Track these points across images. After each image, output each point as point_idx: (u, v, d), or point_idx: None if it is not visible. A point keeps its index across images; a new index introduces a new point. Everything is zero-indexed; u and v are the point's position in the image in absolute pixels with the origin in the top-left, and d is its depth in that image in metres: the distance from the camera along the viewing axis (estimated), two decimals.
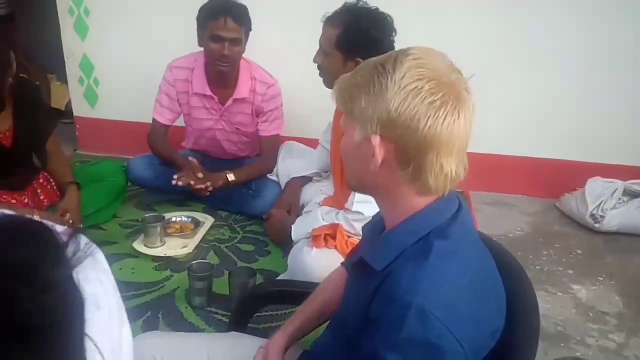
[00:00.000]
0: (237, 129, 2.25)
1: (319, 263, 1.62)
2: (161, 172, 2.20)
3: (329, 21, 1.71)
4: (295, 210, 2.04)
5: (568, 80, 2.40)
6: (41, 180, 2.01)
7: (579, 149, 2.47)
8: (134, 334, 1.45)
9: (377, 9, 1.69)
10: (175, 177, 2.03)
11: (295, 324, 1.16)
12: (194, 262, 1.68)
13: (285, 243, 2.00)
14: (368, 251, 0.88)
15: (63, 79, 2.84)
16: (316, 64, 1.80)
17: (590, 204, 2.25)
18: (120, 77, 2.73)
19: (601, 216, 2.21)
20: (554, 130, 2.47)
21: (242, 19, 2.00)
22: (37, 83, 2.38)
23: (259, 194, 2.16)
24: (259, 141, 2.28)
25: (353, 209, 1.68)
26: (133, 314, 1.60)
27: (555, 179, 2.53)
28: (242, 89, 2.16)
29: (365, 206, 1.67)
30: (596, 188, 2.31)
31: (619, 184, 2.28)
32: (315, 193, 2.03)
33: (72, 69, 2.73)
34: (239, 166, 2.38)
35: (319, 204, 1.96)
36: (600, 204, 2.23)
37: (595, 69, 2.36)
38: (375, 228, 0.98)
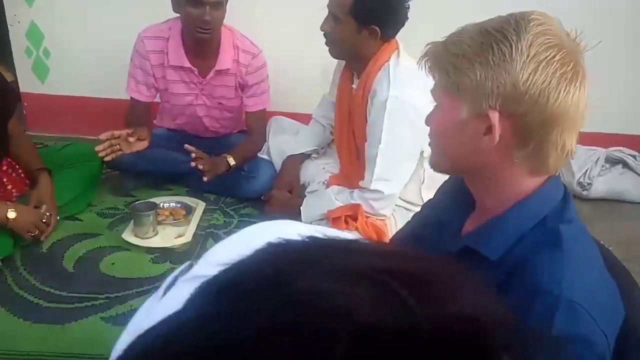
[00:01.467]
0: (219, 103, 2.07)
1: None
2: (143, 154, 1.99)
3: None
4: (296, 190, 1.93)
5: None
6: (4, 168, 1.75)
7: None
8: None
9: None
10: (192, 160, 1.86)
11: None
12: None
13: None
14: (474, 239, 0.80)
15: (6, 52, 2.48)
16: (323, 32, 1.66)
17: (576, 172, 2.30)
18: (75, 47, 2.43)
19: (588, 184, 2.27)
20: None
21: None
22: None
23: (253, 174, 2.01)
24: (246, 117, 2.12)
25: (372, 188, 1.59)
26: None
27: None
28: (225, 60, 1.97)
29: (385, 184, 1.59)
30: (580, 156, 2.36)
31: (601, 152, 2.35)
32: (317, 171, 1.92)
33: (18, 39, 2.39)
34: (221, 145, 2.21)
35: (323, 182, 1.86)
36: (586, 171, 2.29)
37: None
38: (454, 213, 0.90)
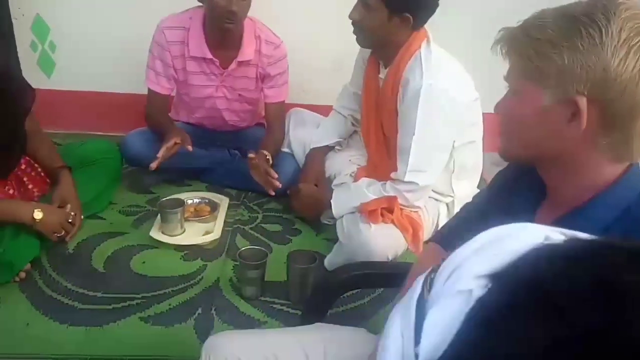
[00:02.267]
0: (239, 95, 2.03)
1: (380, 240, 1.53)
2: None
3: None
4: (322, 183, 1.90)
5: None
6: (23, 167, 1.70)
7: None
8: (188, 334, 1.30)
9: None
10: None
11: None
12: (243, 248, 1.50)
13: (314, 219, 1.87)
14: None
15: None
16: (351, 20, 1.63)
17: None
18: (82, 40, 2.36)
19: None
20: None
21: None
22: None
23: (277, 169, 1.97)
24: (265, 109, 2.08)
25: (406, 179, 1.58)
26: (182, 312, 1.42)
27: None
28: (247, 50, 1.93)
29: (419, 176, 1.58)
30: None
31: None
32: (343, 163, 1.89)
33: (23, 33, 2.31)
34: (239, 139, 2.18)
35: (350, 175, 1.83)
36: None
37: None
38: (522, 203, 0.89)
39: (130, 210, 1.87)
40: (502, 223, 0.90)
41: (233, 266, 1.60)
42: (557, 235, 0.28)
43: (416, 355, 0.25)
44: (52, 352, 1.32)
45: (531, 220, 0.86)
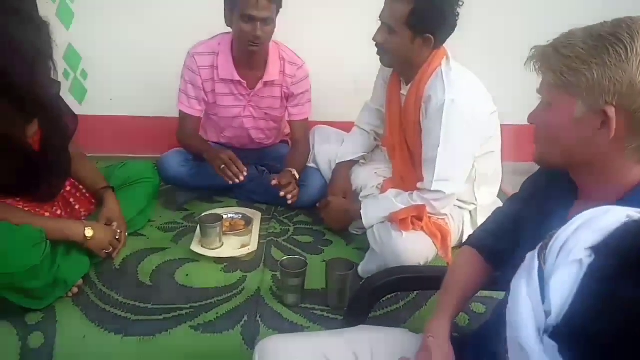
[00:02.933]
0: (265, 114, 2.14)
1: (411, 246, 1.62)
2: (196, 167, 2.05)
3: None
4: (350, 195, 2.00)
5: None
6: (68, 189, 1.79)
7: None
8: (235, 341, 1.38)
9: None
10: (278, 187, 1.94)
11: (453, 310, 1.13)
12: (284, 258, 1.58)
13: (343, 230, 1.96)
14: None
15: None
16: (375, 42, 1.74)
17: None
18: (112, 69, 2.49)
19: None
20: None
21: None
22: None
23: (304, 183, 2.07)
24: (291, 126, 2.19)
25: (433, 189, 1.67)
26: (229, 320, 1.50)
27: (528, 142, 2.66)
28: (272, 71, 2.05)
29: (446, 184, 1.67)
30: None
31: None
32: (369, 176, 1.99)
33: (56, 62, 2.43)
34: (266, 156, 2.28)
35: (377, 187, 1.93)
36: None
37: None
38: (556, 205, 0.97)
39: (169, 227, 1.96)
40: (536, 224, 1.00)
41: (272, 276, 1.69)
42: (634, 213, 0.37)
43: (546, 312, 0.33)
44: None
45: (564, 220, 0.95)
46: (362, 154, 2.07)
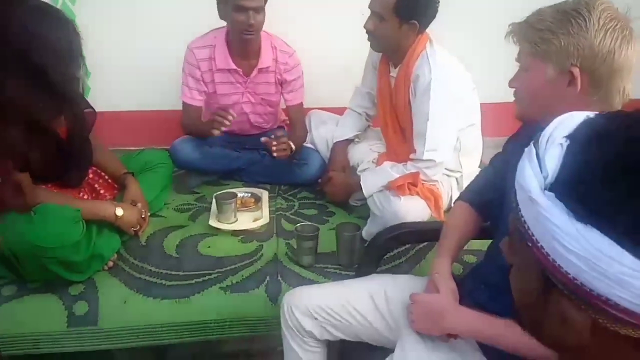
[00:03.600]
0: (262, 99, 2.33)
1: (409, 209, 1.83)
2: (207, 152, 2.23)
3: None
4: (348, 171, 2.20)
5: None
6: (91, 175, 1.95)
7: None
8: (261, 298, 1.57)
9: None
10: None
11: (452, 251, 1.34)
12: (298, 225, 1.78)
13: (344, 202, 2.16)
14: None
15: None
16: (366, 30, 1.93)
17: None
18: (115, 65, 2.63)
19: None
20: None
21: None
22: None
23: (305, 162, 2.27)
24: (287, 111, 2.38)
25: (424, 158, 1.88)
26: (253, 281, 1.69)
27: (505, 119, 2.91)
28: (265, 59, 2.23)
29: (436, 154, 1.89)
30: None
31: None
32: (365, 152, 2.20)
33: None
34: None
35: (373, 161, 2.13)
36: None
37: None
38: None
39: (184, 208, 2.14)
40: None
41: (285, 244, 1.88)
42: (590, 113, 0.57)
43: (544, 177, 0.53)
44: (152, 322, 1.58)
45: None
46: (357, 133, 2.27)
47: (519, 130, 1.33)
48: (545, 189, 0.51)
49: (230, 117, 2.03)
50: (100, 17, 2.55)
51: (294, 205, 2.19)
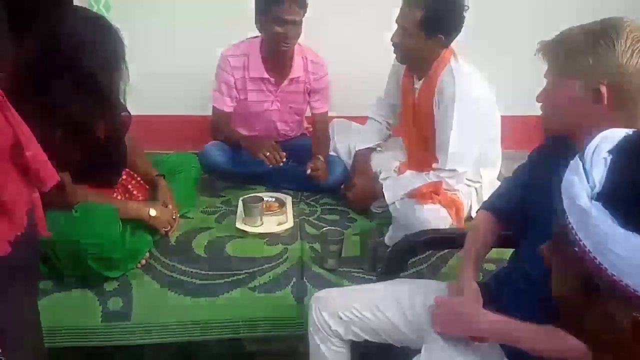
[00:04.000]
0: (290, 107, 2.41)
1: (431, 216, 1.88)
2: (234, 156, 2.31)
3: (412, 3, 1.90)
4: (370, 178, 2.26)
5: None
6: (124, 177, 2.02)
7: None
8: (287, 299, 1.62)
9: None
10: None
11: (475, 260, 1.39)
12: (324, 229, 1.85)
13: (365, 209, 2.22)
14: None
15: None
16: (392, 42, 2.00)
17: None
18: (145, 72, 2.70)
19: None
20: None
21: (302, 1, 2.15)
22: None
23: (329, 169, 2.33)
24: (313, 118, 2.45)
25: (447, 167, 1.94)
26: (280, 282, 1.75)
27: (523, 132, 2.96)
28: (297, 69, 2.31)
29: (458, 164, 1.96)
30: None
31: None
32: (387, 160, 2.26)
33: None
34: (291, 147, 2.52)
35: (394, 170, 2.20)
36: None
37: None
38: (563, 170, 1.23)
39: (210, 210, 2.21)
40: (547, 185, 1.26)
41: (310, 247, 1.95)
42: (629, 130, 0.64)
43: (590, 187, 0.60)
44: (183, 319, 1.65)
45: None
46: (378, 141, 2.34)
47: (544, 143, 1.39)
48: (592, 198, 0.58)
49: (281, 160, 2.16)
50: (131, 23, 2.63)
51: (317, 211, 2.25)
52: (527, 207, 1.37)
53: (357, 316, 1.39)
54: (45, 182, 1.00)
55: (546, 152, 1.35)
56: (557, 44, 1.12)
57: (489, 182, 2.17)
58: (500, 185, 1.53)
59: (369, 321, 1.39)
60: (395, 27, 1.99)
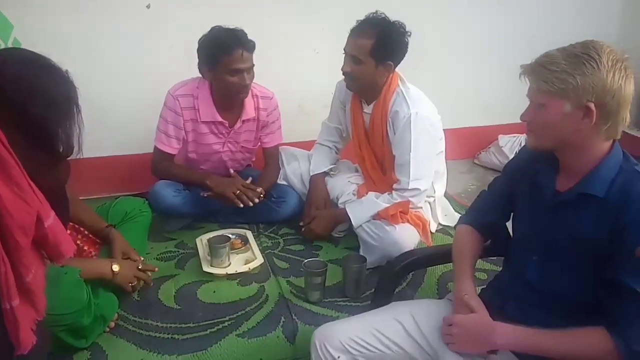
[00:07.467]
0: (242, 147, 2.33)
1: (404, 236, 1.93)
2: (188, 195, 2.17)
3: (361, 33, 1.95)
4: (329, 204, 2.26)
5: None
6: (69, 232, 1.82)
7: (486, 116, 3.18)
8: (278, 340, 1.57)
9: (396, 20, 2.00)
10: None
11: (469, 273, 1.45)
12: (306, 260, 1.80)
13: (327, 236, 2.20)
14: (584, 187, 1.21)
15: None
16: (343, 72, 2.04)
17: (508, 154, 2.96)
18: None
19: None
20: (466, 103, 3.11)
21: (252, 46, 2.07)
22: None
23: (283, 199, 2.29)
24: (263, 152, 2.39)
25: (410, 187, 2.01)
26: (269, 324, 1.68)
27: (469, 142, 3.20)
28: (249, 109, 2.24)
29: (420, 182, 2.03)
30: (507, 142, 3.05)
31: (522, 137, 3.04)
32: (344, 184, 2.28)
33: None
34: None
35: (353, 193, 2.22)
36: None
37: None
38: (545, 178, 1.32)
39: (166, 256, 2.05)
40: (527, 196, 1.36)
41: (286, 281, 1.89)
42: None
43: None
44: None
45: (554, 188, 1.31)
46: (331, 165, 2.35)
47: (518, 154, 1.50)
48: None
49: (256, 200, 2.10)
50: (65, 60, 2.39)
51: (279, 243, 2.20)
52: (503, 218, 1.48)
53: (363, 346, 1.37)
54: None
55: (524, 163, 1.43)
56: (540, 66, 1.21)
57: (440, 195, 2.28)
58: (476, 199, 1.60)
59: (376, 349, 1.38)
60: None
